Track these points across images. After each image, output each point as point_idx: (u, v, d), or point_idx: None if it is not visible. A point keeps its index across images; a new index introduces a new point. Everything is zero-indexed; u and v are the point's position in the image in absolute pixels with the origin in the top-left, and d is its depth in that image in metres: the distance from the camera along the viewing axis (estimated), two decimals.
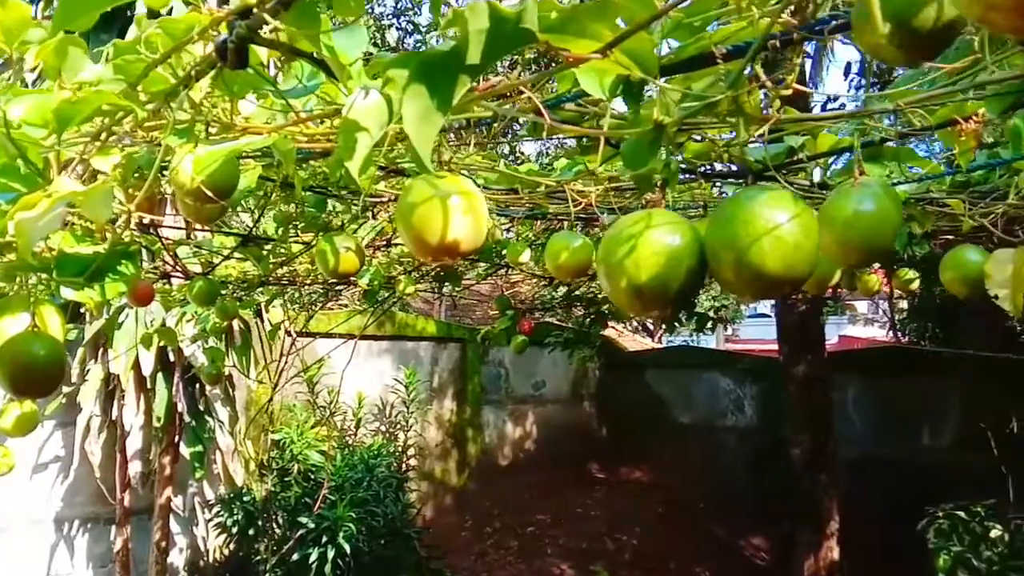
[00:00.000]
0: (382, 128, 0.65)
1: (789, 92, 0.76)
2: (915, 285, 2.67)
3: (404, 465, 5.92)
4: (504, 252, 3.08)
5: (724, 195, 1.96)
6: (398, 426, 6.41)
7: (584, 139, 1.01)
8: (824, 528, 5.76)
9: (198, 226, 3.32)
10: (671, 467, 7.72)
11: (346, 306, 6.35)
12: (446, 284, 3.41)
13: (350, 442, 5.72)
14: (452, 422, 7.41)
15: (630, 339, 10.73)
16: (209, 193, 0.86)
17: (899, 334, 12.43)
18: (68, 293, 1.03)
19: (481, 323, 8.74)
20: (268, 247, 2.59)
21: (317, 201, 2.00)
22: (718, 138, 1.03)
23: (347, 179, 0.88)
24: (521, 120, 1.23)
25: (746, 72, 0.72)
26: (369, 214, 2.32)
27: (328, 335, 4.55)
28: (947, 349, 7.09)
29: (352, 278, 1.70)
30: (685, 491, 7.36)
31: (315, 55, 0.72)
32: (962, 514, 4.70)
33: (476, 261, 3.25)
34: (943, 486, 5.43)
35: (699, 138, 1.28)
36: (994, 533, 4.57)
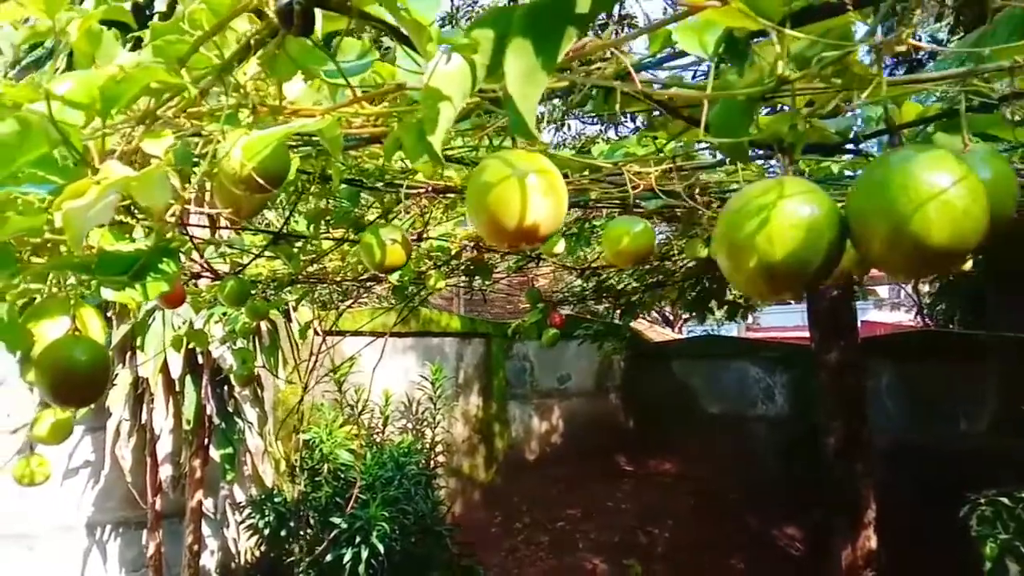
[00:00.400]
0: (465, 97, 0.58)
1: (904, 48, 0.68)
2: (969, 266, 2.56)
3: (432, 462, 5.87)
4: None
5: (772, 173, 1.87)
6: (425, 423, 6.36)
7: (657, 112, 0.93)
8: (861, 517, 5.65)
9: (223, 224, 3.28)
10: (700, 458, 7.62)
11: (366, 304, 6.31)
12: (476, 278, 3.35)
13: (378, 440, 5.68)
14: (478, 418, 7.36)
15: (649, 329, 10.63)
16: (260, 181, 0.80)
17: (926, 318, 12.26)
18: (108, 294, 0.97)
19: (500, 318, 8.68)
20: (298, 244, 2.53)
21: (351, 194, 1.94)
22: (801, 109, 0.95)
23: (413, 153, 0.80)
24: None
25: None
26: (401, 207, 2.26)
27: (357, 333, 4.50)
28: (985, 332, 6.96)
29: (384, 273, 1.64)
30: (715, 482, 7.27)
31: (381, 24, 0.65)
32: (1006, 500, 4.57)
33: (508, 253, 3.18)
34: (981, 472, 5.29)
35: (770, 109, 1.20)
36: None
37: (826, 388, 5.90)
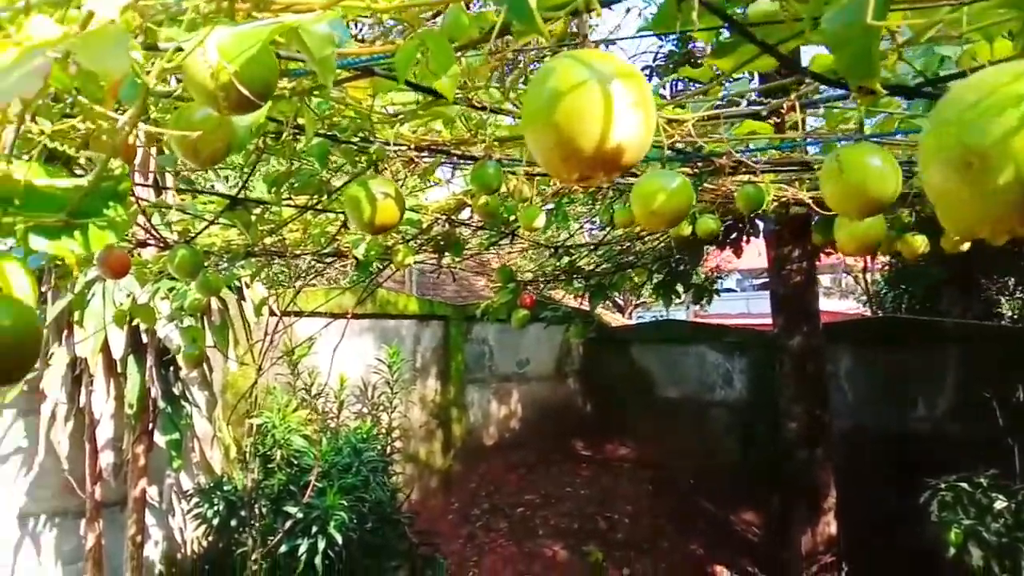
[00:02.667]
0: None
1: None
2: (923, 249, 2.45)
3: (389, 448, 5.67)
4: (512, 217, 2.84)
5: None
6: (381, 408, 6.15)
7: (723, 34, 0.77)
8: (821, 503, 5.66)
9: (169, 185, 3.02)
10: (659, 443, 7.59)
11: (315, 285, 6.04)
12: (445, 255, 3.15)
13: (332, 425, 5.46)
14: (436, 402, 7.17)
15: (601, 315, 10.55)
16: (243, 90, 0.61)
17: (875, 307, 12.50)
18: (40, 243, 0.77)
19: (452, 301, 8.48)
20: (257, 211, 2.31)
21: (320, 152, 1.73)
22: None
23: (440, 60, 0.62)
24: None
25: None
26: (374, 169, 2.05)
27: (314, 314, 4.26)
28: (946, 319, 7.05)
29: (373, 234, 1.45)
30: (674, 467, 7.24)
31: None
32: (966, 486, 4.60)
33: (480, 228, 3.00)
34: (942, 457, 5.34)
35: None
36: (999, 505, 4.48)
37: (788, 374, 5.88)
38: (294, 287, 3.30)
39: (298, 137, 2.01)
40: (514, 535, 6.18)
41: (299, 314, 3.94)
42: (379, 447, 5.00)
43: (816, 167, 1.51)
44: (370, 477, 4.55)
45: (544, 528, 6.25)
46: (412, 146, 1.61)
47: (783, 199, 2.35)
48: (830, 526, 5.61)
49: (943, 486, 4.66)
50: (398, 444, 6.13)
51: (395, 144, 1.71)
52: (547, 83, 0.55)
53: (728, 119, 1.20)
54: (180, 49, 0.61)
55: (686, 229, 2.74)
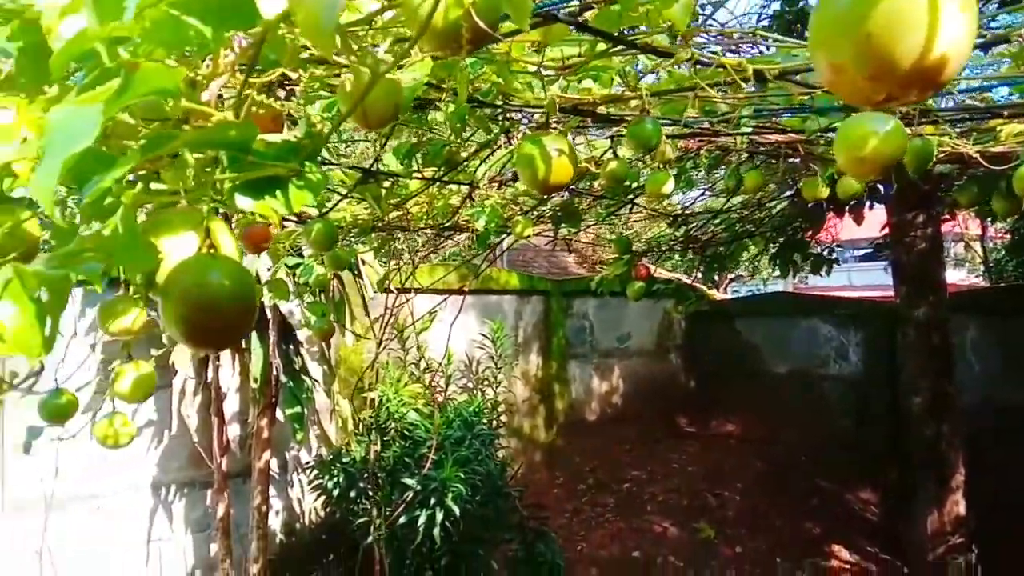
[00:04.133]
0: None
1: None
2: None
3: (495, 422, 5.70)
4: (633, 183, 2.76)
5: None
6: (485, 382, 6.19)
7: None
8: (948, 481, 5.36)
9: None
10: (767, 419, 7.35)
11: (430, 260, 6.09)
12: (562, 225, 3.09)
13: (439, 399, 5.52)
14: (538, 377, 7.16)
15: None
16: (482, 24, 0.56)
17: (995, 277, 11.74)
18: (244, 202, 0.74)
19: (545, 277, 8.41)
20: (387, 184, 2.31)
21: (459, 116, 1.69)
22: None
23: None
24: None
25: None
26: (505, 136, 2.01)
27: (430, 290, 4.29)
28: None
29: (546, 193, 1.40)
30: (784, 443, 7.01)
31: None
32: None
33: (600, 197, 2.92)
34: None
35: None
36: None
37: (912, 346, 5.57)
38: (411, 262, 3.32)
39: (430, 106, 1.99)
40: (621, 510, 6.13)
41: (418, 290, 3.96)
42: (488, 421, 5.03)
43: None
44: (481, 450, 4.58)
45: (652, 504, 6.17)
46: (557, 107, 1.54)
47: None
48: (958, 505, 5.31)
49: None
50: (503, 418, 6.16)
51: (533, 108, 1.65)
52: None
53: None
54: None
55: (823, 190, 2.59)
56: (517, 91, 1.58)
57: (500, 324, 6.31)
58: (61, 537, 4.18)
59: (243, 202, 0.75)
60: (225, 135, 0.61)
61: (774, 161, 3.01)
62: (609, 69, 1.26)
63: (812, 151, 2.44)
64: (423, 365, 5.43)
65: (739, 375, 7.86)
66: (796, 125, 2.05)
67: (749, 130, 1.95)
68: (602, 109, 1.57)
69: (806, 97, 1.57)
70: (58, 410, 1.70)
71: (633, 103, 1.45)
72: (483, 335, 6.37)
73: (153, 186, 0.70)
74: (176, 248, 0.68)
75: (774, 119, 1.98)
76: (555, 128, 2.05)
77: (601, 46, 1.13)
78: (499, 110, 1.86)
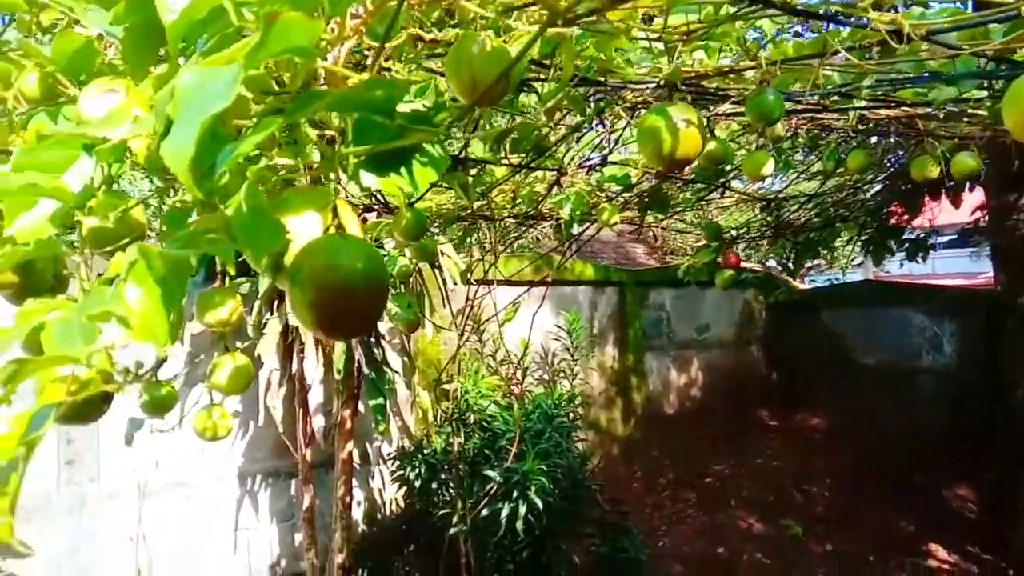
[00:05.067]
0: None
1: None
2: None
3: (572, 415, 5.62)
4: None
5: None
6: (561, 374, 6.10)
7: None
8: None
9: None
10: (855, 413, 7.06)
11: (512, 251, 6.04)
12: (648, 213, 2.99)
13: (515, 391, 5.47)
14: (614, 369, 7.05)
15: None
16: None
17: None
18: (369, 179, 0.69)
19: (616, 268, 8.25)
20: (473, 172, 2.25)
21: (576, 97, 1.60)
22: None
23: None
24: None
25: None
26: (597, 118, 1.93)
27: (510, 282, 4.25)
28: None
29: (671, 169, 1.32)
30: (873, 439, 6.71)
31: None
32: None
33: (692, 181, 2.81)
34: None
35: None
36: None
37: (1014, 337, 5.25)
38: (494, 252, 3.26)
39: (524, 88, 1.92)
40: (704, 506, 5.97)
41: (501, 282, 3.92)
42: (570, 413, 4.95)
43: None
44: (561, 443, 4.51)
45: (736, 499, 5.99)
46: (661, 82, 1.45)
47: None
48: None
49: None
50: (579, 411, 6.07)
51: (636, 85, 1.56)
52: None
53: None
54: None
55: (933, 170, 2.42)
56: (619, 67, 1.50)
57: (575, 315, 6.21)
58: (154, 525, 4.31)
59: (368, 179, 0.69)
60: (372, 94, 0.55)
61: (873, 140, 2.84)
62: (730, 35, 1.17)
63: (926, 127, 2.28)
64: (499, 357, 5.39)
65: (824, 367, 7.56)
66: (913, 98, 1.90)
67: (863, 104, 1.82)
68: (710, 84, 1.47)
69: (938, 63, 1.43)
70: (159, 402, 1.70)
71: (750, 75, 1.35)
72: (558, 326, 6.29)
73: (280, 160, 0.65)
74: (302, 229, 0.63)
75: (888, 93, 1.85)
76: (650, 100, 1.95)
77: (727, 9, 1.03)
78: (595, 90, 1.78)
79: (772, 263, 7.40)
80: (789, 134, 2.35)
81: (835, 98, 1.87)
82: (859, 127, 2.33)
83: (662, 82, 1.47)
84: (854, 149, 2.44)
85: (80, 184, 0.77)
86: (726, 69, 1.37)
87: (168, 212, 0.78)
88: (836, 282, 14.73)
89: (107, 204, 0.74)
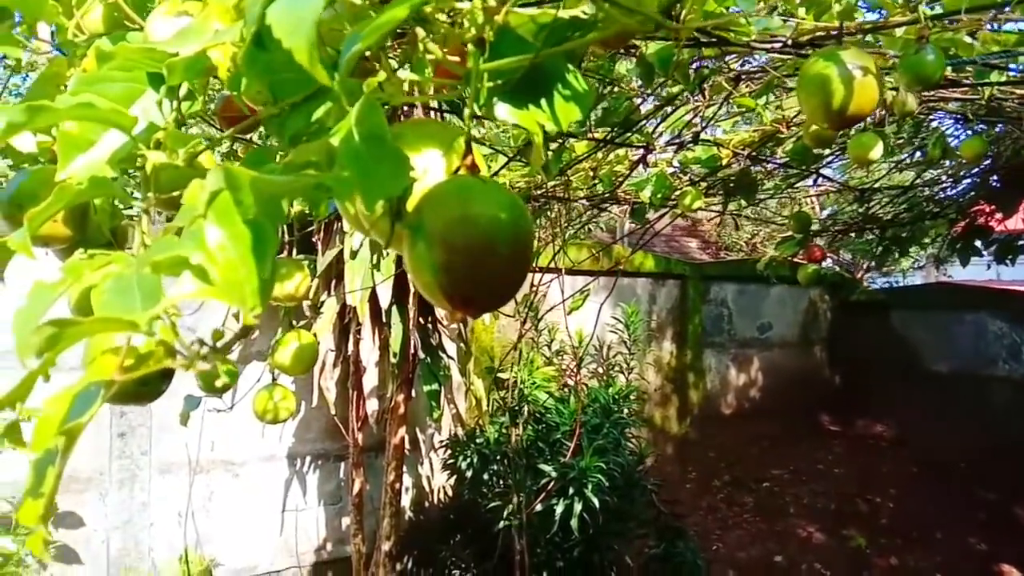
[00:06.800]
0: None
1: None
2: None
3: (628, 410, 5.44)
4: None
5: None
6: (616, 368, 5.92)
7: None
8: None
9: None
10: (923, 421, 6.72)
11: (581, 238, 5.87)
12: (733, 199, 2.79)
13: (572, 384, 5.31)
14: (671, 365, 6.83)
15: None
16: None
17: None
18: (503, 111, 0.54)
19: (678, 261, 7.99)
20: (553, 147, 2.09)
21: (663, 58, 1.44)
22: None
23: None
24: None
25: None
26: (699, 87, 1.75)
27: (577, 272, 4.08)
28: None
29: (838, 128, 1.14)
30: (943, 449, 6.38)
31: None
32: None
33: (784, 166, 2.60)
34: None
35: None
36: None
37: None
38: (563, 237, 3.10)
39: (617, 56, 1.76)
40: (761, 511, 5.74)
41: (569, 271, 3.75)
42: (629, 409, 4.77)
43: None
44: (619, 439, 4.34)
45: (796, 506, 5.75)
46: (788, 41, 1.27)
47: None
48: None
49: None
50: (635, 407, 5.88)
51: (759, 45, 1.38)
52: None
53: None
54: None
55: None
56: (741, 26, 1.32)
57: (634, 308, 6.02)
58: (203, 502, 4.28)
59: (502, 111, 0.54)
60: None
61: (987, 125, 2.61)
62: None
63: None
64: (555, 347, 5.23)
65: (892, 372, 7.22)
66: None
67: (1003, 80, 1.61)
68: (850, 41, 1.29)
69: None
70: (218, 380, 1.59)
71: (899, 31, 1.16)
72: (615, 318, 6.10)
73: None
74: (428, 165, 0.48)
75: None
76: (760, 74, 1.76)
77: None
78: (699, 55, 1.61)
79: (828, 263, 7.08)
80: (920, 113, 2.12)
81: (969, 69, 1.66)
82: (981, 111, 2.10)
83: (789, 41, 1.30)
84: (972, 138, 2.21)
85: (145, 116, 0.63)
86: (868, 27, 1.19)
87: (249, 153, 0.64)
88: (895, 285, 14.19)
89: (177, 139, 0.61)
